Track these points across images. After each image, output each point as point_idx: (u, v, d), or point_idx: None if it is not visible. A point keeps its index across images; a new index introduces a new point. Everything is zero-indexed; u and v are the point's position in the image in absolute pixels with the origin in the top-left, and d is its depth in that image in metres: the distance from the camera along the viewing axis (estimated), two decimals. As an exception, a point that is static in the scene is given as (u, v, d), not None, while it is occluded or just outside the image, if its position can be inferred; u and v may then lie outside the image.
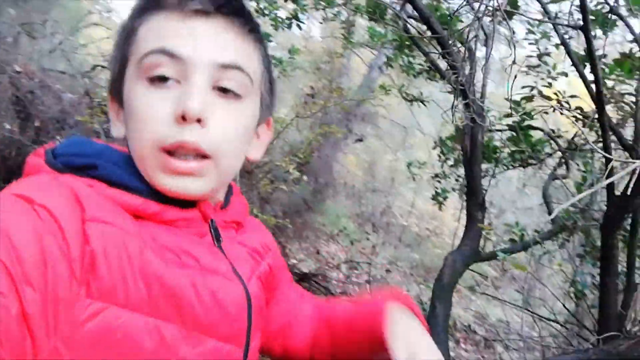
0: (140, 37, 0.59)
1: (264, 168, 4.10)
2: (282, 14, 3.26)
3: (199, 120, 0.56)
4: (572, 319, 2.79)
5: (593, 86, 1.70)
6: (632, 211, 1.70)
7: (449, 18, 2.34)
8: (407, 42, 2.68)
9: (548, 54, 2.31)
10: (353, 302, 0.81)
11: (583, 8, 1.53)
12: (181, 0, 0.57)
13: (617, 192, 1.66)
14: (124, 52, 0.60)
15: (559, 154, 2.67)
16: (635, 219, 1.73)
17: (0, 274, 0.41)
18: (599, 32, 1.96)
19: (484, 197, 2.57)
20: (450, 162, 3.25)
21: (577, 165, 2.63)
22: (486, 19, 2.10)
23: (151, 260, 0.52)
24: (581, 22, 1.56)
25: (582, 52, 1.94)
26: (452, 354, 4.14)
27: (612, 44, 2.18)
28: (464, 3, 2.02)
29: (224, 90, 0.59)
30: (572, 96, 2.32)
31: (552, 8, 2.14)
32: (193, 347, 0.53)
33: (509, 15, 1.93)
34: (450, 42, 2.22)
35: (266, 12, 3.20)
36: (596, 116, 1.78)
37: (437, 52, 2.42)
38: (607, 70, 1.87)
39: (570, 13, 1.64)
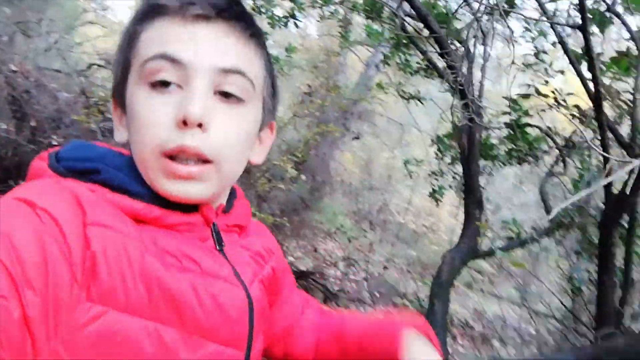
0: (142, 42, 0.59)
1: (261, 167, 4.10)
2: (279, 12, 3.25)
3: (200, 125, 0.56)
4: (568, 315, 2.81)
5: (590, 84, 1.71)
6: (630, 209, 1.72)
7: (446, 16, 2.34)
8: (404, 41, 2.69)
9: (545, 52, 2.32)
10: (367, 319, 0.80)
11: (582, 7, 1.54)
12: (183, 5, 0.57)
13: (615, 190, 1.67)
14: (127, 57, 0.61)
15: (556, 151, 2.68)
16: (633, 216, 1.75)
17: (2, 276, 0.41)
18: (595, 30, 1.97)
19: (482, 194, 2.58)
20: (448, 160, 3.26)
21: (574, 162, 2.64)
22: (484, 17, 2.11)
23: (152, 264, 0.52)
24: (579, 21, 1.56)
25: (579, 50, 1.95)
26: (449, 349, 4.17)
27: (607, 42, 2.19)
28: (463, 2, 2.02)
29: (225, 95, 0.59)
30: (569, 94, 2.33)
31: (549, 6, 2.15)
32: (193, 351, 0.53)
33: (507, 13, 1.93)
34: (448, 40, 2.23)
35: (263, 10, 3.19)
36: (594, 114, 1.79)
37: (434, 50, 2.43)
38: (604, 68, 1.88)
39: (569, 13, 1.65)
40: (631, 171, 1.06)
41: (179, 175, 0.56)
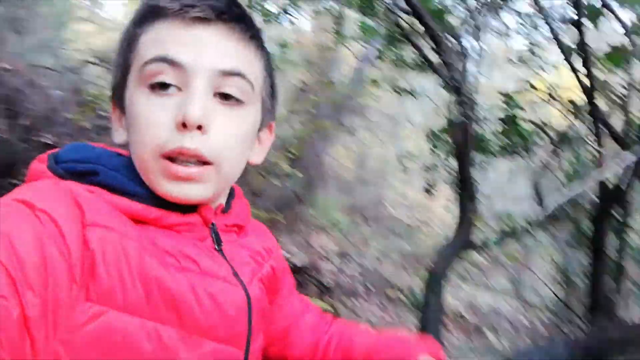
0: (141, 44, 0.59)
1: (256, 163, 4.09)
2: (273, 8, 3.24)
3: (199, 127, 0.56)
4: (561, 306, 2.85)
5: (584, 79, 1.73)
6: (623, 202, 1.75)
7: (441, 12, 2.35)
8: (398, 36, 2.69)
9: (539, 47, 2.34)
10: (376, 334, 0.81)
11: (576, 2, 1.55)
12: (182, 7, 0.57)
13: (609, 185, 1.70)
14: (126, 59, 0.61)
15: (550, 145, 2.71)
16: (626, 209, 1.78)
17: (2, 277, 0.42)
18: (589, 25, 1.98)
19: (476, 189, 2.60)
20: (442, 155, 3.28)
21: (568, 156, 2.67)
22: (478, 13, 2.12)
23: (150, 264, 0.53)
24: (573, 16, 1.58)
25: (573, 45, 1.97)
26: (443, 342, 4.21)
27: (600, 35, 2.21)
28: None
29: (225, 97, 0.59)
30: (562, 88, 2.35)
31: (544, 1, 2.16)
32: (192, 349, 0.54)
33: (500, 8, 1.95)
34: (442, 36, 2.24)
35: (256, 6, 3.18)
36: (588, 108, 1.81)
37: (429, 46, 2.44)
38: (597, 62, 1.90)
39: (563, 8, 1.67)
40: (626, 166, 1.08)
41: (179, 177, 0.57)
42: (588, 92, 1.69)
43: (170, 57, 0.56)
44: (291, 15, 3.22)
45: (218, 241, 0.64)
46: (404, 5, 2.41)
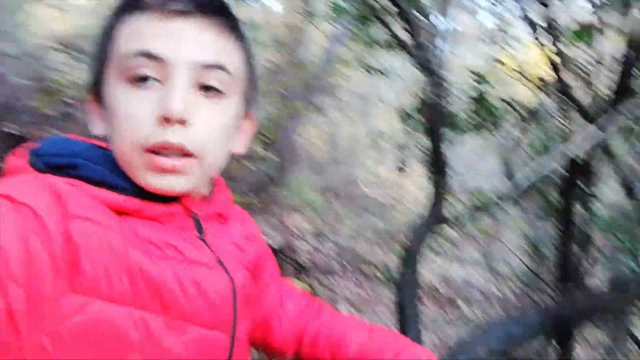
0: (120, 37, 0.59)
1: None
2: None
3: (182, 121, 0.56)
4: (531, 276, 2.96)
5: (552, 55, 1.77)
6: (588, 173, 1.82)
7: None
8: (369, 16, 2.68)
9: (507, 23, 2.37)
10: (371, 335, 0.80)
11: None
12: (161, 0, 0.57)
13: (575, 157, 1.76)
14: (104, 51, 0.60)
15: (518, 120, 2.77)
16: (591, 180, 1.85)
17: None
18: (556, 1, 2.02)
19: (447, 165, 2.65)
20: (413, 132, 3.31)
21: (536, 131, 2.74)
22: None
23: (134, 254, 0.53)
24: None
25: (541, 22, 2.01)
26: (420, 315, 4.32)
27: (568, 12, 2.26)
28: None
29: (206, 89, 0.59)
30: (530, 64, 2.40)
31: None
32: (179, 336, 0.55)
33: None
34: (412, 14, 2.24)
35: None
36: (555, 84, 1.86)
37: (400, 25, 2.44)
38: (564, 39, 1.95)
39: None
40: (591, 138, 1.13)
41: (163, 169, 0.57)
42: (556, 68, 1.73)
43: (149, 51, 0.56)
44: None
45: (201, 230, 0.65)
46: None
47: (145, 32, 0.57)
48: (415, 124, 3.10)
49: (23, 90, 3.34)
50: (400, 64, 3.54)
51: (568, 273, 1.90)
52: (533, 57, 2.37)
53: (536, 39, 1.84)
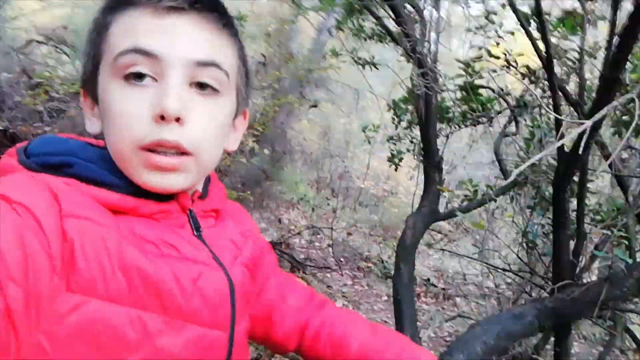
0: (113, 34, 0.58)
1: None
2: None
3: (178, 119, 0.56)
4: (525, 268, 2.96)
5: (540, 44, 1.74)
6: (581, 166, 1.80)
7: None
8: (357, 6, 2.65)
9: (495, 13, 2.34)
10: (374, 335, 0.79)
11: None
12: None
13: (566, 149, 1.74)
14: (97, 48, 0.60)
15: (508, 111, 2.75)
16: (584, 172, 1.83)
17: None
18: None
19: (440, 158, 2.63)
20: (404, 124, 3.29)
21: (525, 121, 2.72)
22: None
23: (130, 252, 0.53)
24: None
25: (528, 10, 1.98)
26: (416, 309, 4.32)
27: (555, 1, 2.23)
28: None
29: (201, 86, 0.59)
30: (519, 54, 2.37)
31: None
32: (177, 334, 0.55)
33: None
34: (401, 5, 2.21)
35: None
36: (543, 74, 1.83)
37: (389, 16, 2.40)
38: (550, 27, 1.91)
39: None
40: (583, 131, 1.10)
41: (160, 167, 0.57)
42: (544, 57, 1.70)
43: (144, 48, 0.56)
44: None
45: (197, 227, 0.65)
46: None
47: (138, 29, 0.57)
48: (403, 112, 3.08)
49: (12, 85, 3.30)
50: (390, 55, 3.49)
51: (562, 266, 1.88)
52: (520, 46, 2.34)
53: (523, 27, 1.80)
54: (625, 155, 2.16)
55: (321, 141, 7.19)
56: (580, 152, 1.34)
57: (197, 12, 0.58)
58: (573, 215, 1.91)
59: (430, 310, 4.68)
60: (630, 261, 1.57)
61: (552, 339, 2.23)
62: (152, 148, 0.57)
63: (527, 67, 2.36)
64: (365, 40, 3.18)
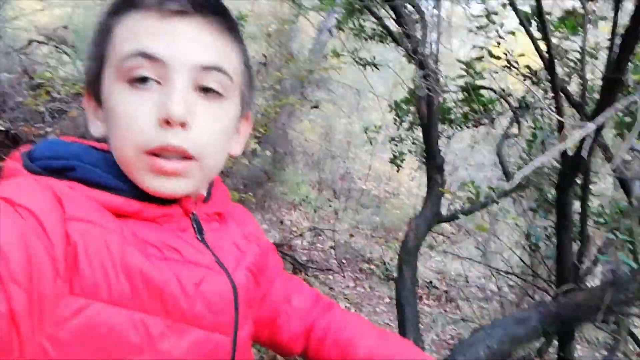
0: (117, 37, 0.58)
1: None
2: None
3: (183, 124, 0.56)
4: (527, 271, 2.93)
5: (541, 44, 1.71)
6: (585, 169, 1.77)
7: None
8: (357, 6, 2.63)
9: (495, 13, 2.32)
10: (381, 340, 0.77)
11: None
12: (159, 0, 0.57)
13: (569, 152, 1.71)
14: (101, 51, 0.60)
15: (510, 112, 2.73)
16: (587, 175, 1.81)
17: None
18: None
19: (442, 160, 2.60)
20: (406, 125, 3.27)
21: (527, 122, 2.70)
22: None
23: (133, 255, 0.53)
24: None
25: (528, 9, 1.96)
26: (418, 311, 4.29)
27: (556, 1, 2.20)
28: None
29: (205, 90, 0.59)
30: (520, 55, 2.35)
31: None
32: (180, 338, 0.54)
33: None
34: (402, 5, 2.19)
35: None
36: (545, 74, 1.80)
37: (389, 16, 2.39)
38: (551, 27, 1.89)
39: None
40: (586, 134, 1.07)
41: (164, 172, 0.57)
42: (545, 58, 1.68)
43: (148, 52, 0.56)
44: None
45: (200, 231, 0.65)
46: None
47: (142, 32, 0.57)
48: (404, 113, 3.06)
49: (13, 86, 3.29)
50: (391, 56, 3.47)
51: (565, 269, 1.85)
52: (521, 46, 2.32)
53: (524, 27, 1.78)
54: (628, 157, 2.13)
55: (322, 142, 7.17)
56: (583, 155, 1.32)
57: (201, 16, 0.58)
58: (576, 217, 1.89)
59: (432, 312, 4.65)
60: (634, 265, 1.55)
61: (556, 342, 2.20)
62: (157, 152, 0.56)
63: (529, 67, 2.34)
64: (366, 40, 3.16)
